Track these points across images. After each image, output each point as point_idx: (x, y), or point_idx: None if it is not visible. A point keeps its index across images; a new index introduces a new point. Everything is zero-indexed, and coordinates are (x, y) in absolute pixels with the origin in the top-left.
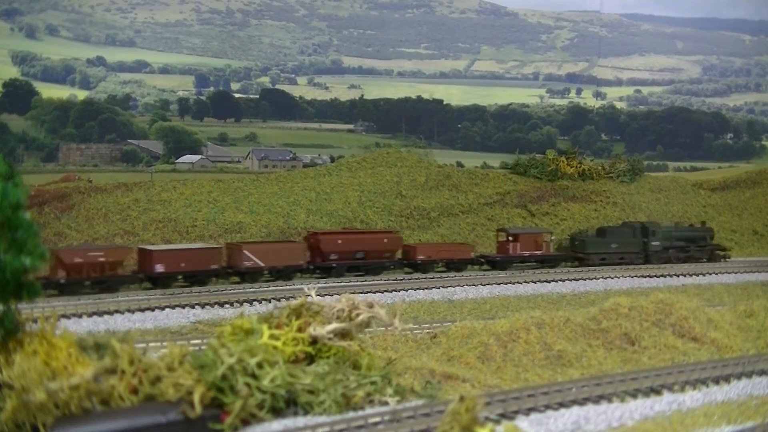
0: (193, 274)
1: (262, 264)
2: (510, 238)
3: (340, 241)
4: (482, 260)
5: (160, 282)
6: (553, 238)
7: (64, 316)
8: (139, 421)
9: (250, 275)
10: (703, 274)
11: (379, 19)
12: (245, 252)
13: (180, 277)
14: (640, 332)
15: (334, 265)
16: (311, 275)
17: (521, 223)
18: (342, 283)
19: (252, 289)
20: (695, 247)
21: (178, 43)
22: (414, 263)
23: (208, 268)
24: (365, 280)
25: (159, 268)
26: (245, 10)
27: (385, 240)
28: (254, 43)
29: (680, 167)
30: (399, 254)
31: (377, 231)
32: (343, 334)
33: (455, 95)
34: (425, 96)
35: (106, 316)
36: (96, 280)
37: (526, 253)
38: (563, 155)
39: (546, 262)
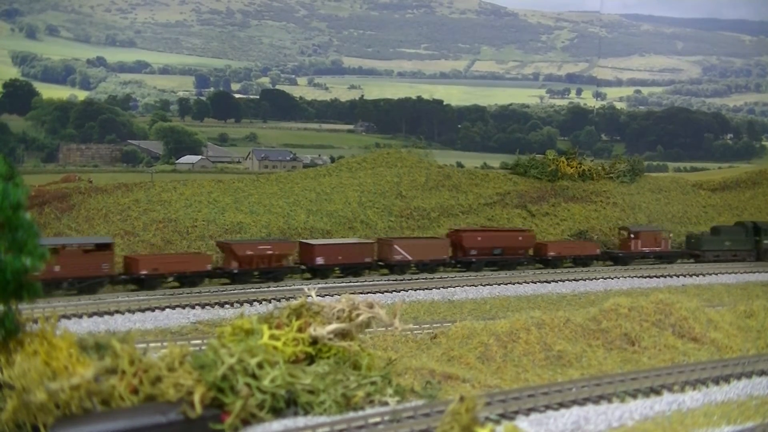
0: (349, 266)
1: (410, 258)
2: (632, 236)
3: (480, 238)
4: (606, 256)
5: (319, 273)
6: (671, 235)
7: (65, 316)
8: (139, 421)
9: (399, 268)
10: (703, 274)
11: (379, 19)
12: (396, 247)
13: (337, 268)
14: (640, 332)
15: (473, 260)
16: (453, 269)
17: (521, 223)
18: (342, 284)
19: (252, 290)
20: None
21: (179, 43)
22: (545, 259)
23: (362, 260)
24: (365, 281)
25: (319, 260)
26: (245, 10)
27: (520, 237)
28: (254, 44)
29: (680, 167)
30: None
31: (514, 229)
32: (343, 335)
33: (455, 95)
34: (425, 96)
35: (106, 317)
36: (264, 270)
37: (647, 249)
38: (563, 155)
39: (664, 258)
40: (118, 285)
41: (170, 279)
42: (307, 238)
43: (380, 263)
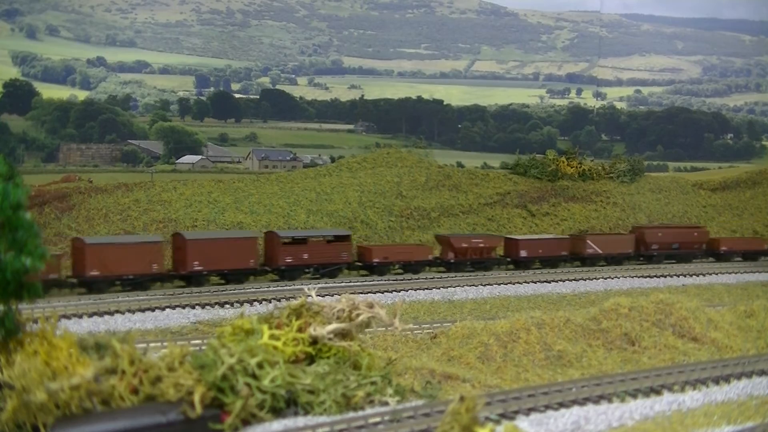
0: (547, 258)
1: (600, 252)
2: None
3: (660, 234)
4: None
5: (521, 265)
6: None
7: (65, 316)
8: (139, 421)
9: (590, 261)
10: (703, 274)
11: (380, 19)
12: (588, 241)
13: (537, 261)
14: (640, 332)
15: (654, 254)
16: (635, 262)
17: (521, 223)
18: (342, 284)
19: (252, 290)
20: None
21: (179, 43)
22: (717, 253)
23: (559, 254)
24: (365, 281)
25: (523, 253)
26: (245, 10)
27: (696, 233)
28: (254, 44)
29: (680, 167)
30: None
31: (690, 226)
32: (343, 335)
33: (455, 95)
34: (425, 96)
35: (106, 317)
36: (475, 261)
37: None
38: (563, 155)
39: None
40: (353, 270)
41: (396, 267)
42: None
43: (573, 257)
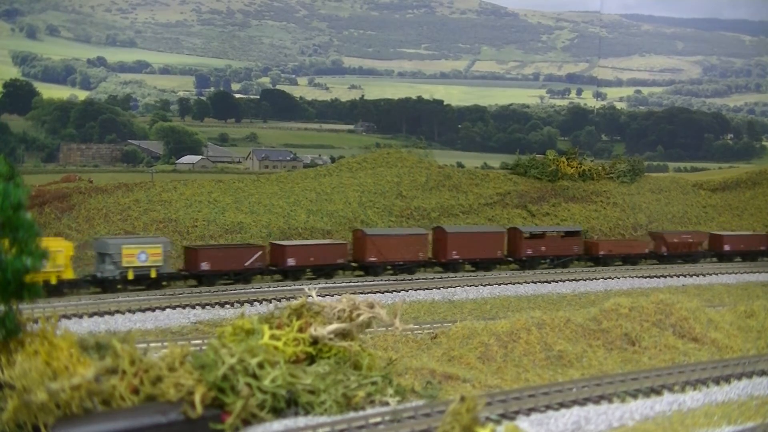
0: (748, 253)
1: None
2: None
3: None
4: None
5: (725, 258)
6: None
7: (65, 316)
8: (140, 421)
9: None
10: (703, 275)
11: (380, 19)
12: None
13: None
14: (640, 332)
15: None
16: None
17: (521, 223)
18: (342, 284)
19: (252, 290)
20: None
21: (179, 43)
22: None
23: (758, 249)
24: (365, 281)
25: (726, 248)
26: (246, 10)
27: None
28: (255, 44)
29: (680, 167)
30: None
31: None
32: (343, 335)
33: (455, 95)
34: (425, 96)
35: (106, 317)
36: (684, 254)
37: None
38: (563, 156)
39: None
40: (581, 262)
41: (617, 261)
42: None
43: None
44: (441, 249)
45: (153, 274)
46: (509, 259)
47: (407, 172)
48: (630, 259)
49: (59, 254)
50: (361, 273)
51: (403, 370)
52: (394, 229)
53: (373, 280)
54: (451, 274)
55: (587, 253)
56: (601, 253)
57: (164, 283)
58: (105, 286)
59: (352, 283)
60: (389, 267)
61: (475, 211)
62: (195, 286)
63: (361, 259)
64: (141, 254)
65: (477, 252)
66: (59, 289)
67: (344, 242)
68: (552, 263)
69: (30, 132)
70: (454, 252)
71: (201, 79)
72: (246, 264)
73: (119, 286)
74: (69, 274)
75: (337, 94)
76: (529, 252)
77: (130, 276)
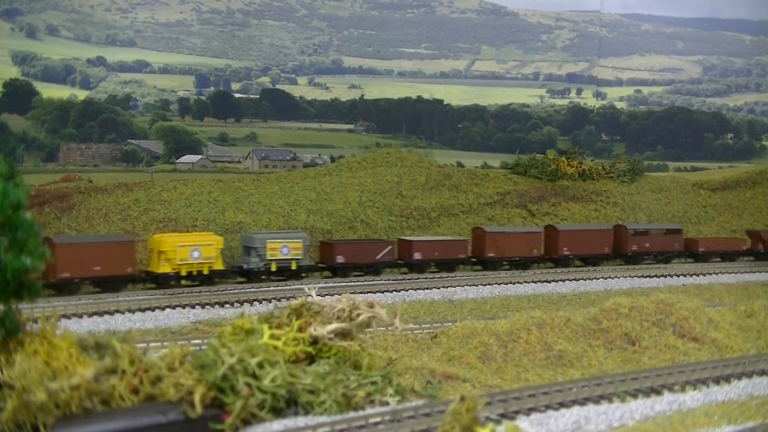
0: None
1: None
2: None
3: None
4: None
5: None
6: None
7: (65, 316)
8: (139, 421)
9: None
10: (703, 274)
11: (380, 19)
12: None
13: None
14: (640, 332)
15: None
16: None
17: (521, 223)
18: (342, 283)
19: (252, 289)
20: None
21: (179, 43)
22: None
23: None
24: (365, 281)
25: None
26: (245, 10)
27: None
28: (254, 43)
29: (680, 167)
30: None
31: None
32: (343, 334)
33: (455, 95)
34: (425, 96)
35: (106, 316)
36: None
37: None
38: (563, 155)
39: None
40: (681, 259)
41: (716, 258)
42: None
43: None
44: (553, 246)
45: (293, 266)
46: (615, 254)
47: (407, 171)
48: (728, 257)
49: (210, 247)
50: (479, 268)
51: (403, 370)
52: (511, 227)
53: (373, 280)
54: (453, 274)
55: (687, 250)
56: (701, 249)
57: (303, 274)
58: (250, 276)
59: (352, 283)
60: (506, 262)
61: (475, 210)
62: (329, 277)
63: (481, 255)
64: (283, 248)
65: (586, 248)
66: (210, 278)
67: (465, 239)
68: (654, 259)
69: (30, 132)
70: (565, 248)
71: (201, 79)
72: (377, 258)
73: (263, 277)
74: (219, 265)
75: (336, 93)
76: (635, 248)
77: (273, 268)
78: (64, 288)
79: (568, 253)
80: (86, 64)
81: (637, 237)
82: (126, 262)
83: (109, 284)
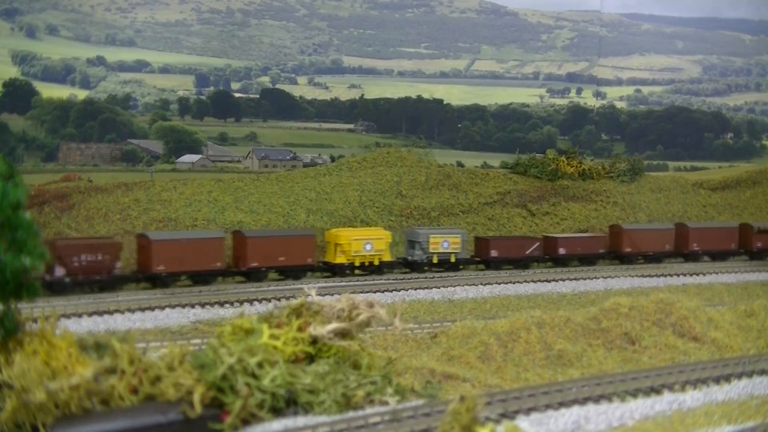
0: None
1: None
2: None
3: None
4: None
5: None
6: None
7: (64, 316)
8: (139, 421)
9: None
10: (703, 274)
11: (380, 18)
12: None
13: None
14: (640, 332)
15: None
16: None
17: (521, 222)
18: (342, 283)
19: (252, 289)
20: None
21: (179, 42)
22: None
23: None
24: (365, 281)
25: None
26: (245, 9)
27: None
28: (254, 43)
29: (680, 167)
30: None
31: None
32: (343, 334)
33: (455, 95)
34: (425, 96)
35: (106, 316)
36: None
37: None
38: (563, 155)
39: None
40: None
41: None
42: None
43: None
44: (683, 242)
45: (452, 259)
46: (741, 251)
47: (407, 171)
48: None
49: (381, 241)
50: (617, 262)
51: (403, 370)
52: (646, 225)
53: (374, 280)
54: (452, 273)
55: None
56: None
57: (460, 266)
58: (413, 267)
59: (352, 283)
60: (641, 257)
61: (475, 210)
62: (483, 270)
63: (618, 250)
64: (444, 242)
65: (714, 244)
66: (380, 269)
67: (605, 235)
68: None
69: (30, 131)
70: (694, 244)
71: (201, 79)
72: (527, 252)
73: (426, 268)
74: (387, 257)
75: (336, 93)
76: (759, 245)
77: (435, 260)
78: (252, 275)
79: (697, 249)
80: (86, 64)
81: (761, 235)
82: (307, 253)
83: (291, 273)
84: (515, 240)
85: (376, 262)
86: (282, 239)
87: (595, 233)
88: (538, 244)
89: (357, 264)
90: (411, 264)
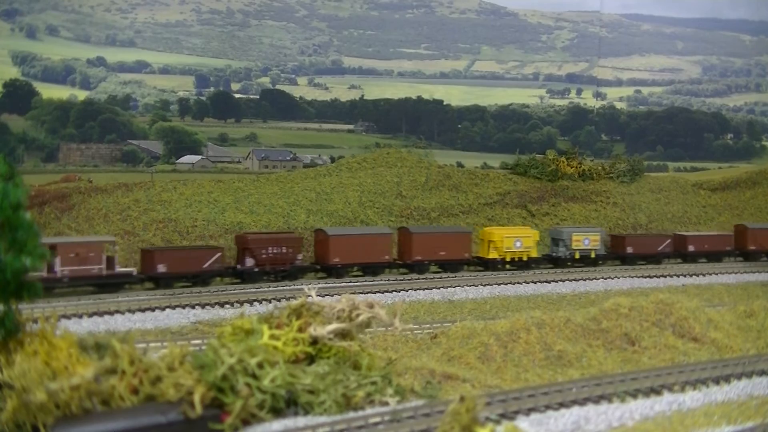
0: None
1: None
2: None
3: None
4: None
5: None
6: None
7: (65, 316)
8: (139, 421)
9: None
10: (703, 274)
11: (380, 19)
12: None
13: None
14: (640, 332)
15: None
16: None
17: (521, 223)
18: (342, 284)
19: (252, 290)
20: None
21: (179, 43)
22: None
23: None
24: (365, 281)
25: None
26: (245, 10)
27: None
28: (254, 44)
29: (680, 167)
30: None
31: None
32: (343, 335)
33: (455, 95)
34: (425, 96)
35: (106, 317)
36: None
37: None
38: (563, 155)
39: None
40: None
41: None
42: None
43: None
44: (743, 242)
45: (592, 255)
46: None
47: (407, 172)
48: None
49: (529, 239)
50: (680, 260)
51: (403, 370)
52: (706, 232)
53: (373, 280)
54: (451, 274)
55: None
56: None
57: (600, 262)
58: (557, 263)
59: (352, 283)
60: (702, 257)
61: (475, 210)
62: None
63: (743, 248)
64: (585, 240)
65: None
66: (528, 264)
67: (730, 233)
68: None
69: (30, 132)
70: (752, 246)
71: (201, 79)
72: (659, 249)
73: (568, 264)
74: (534, 254)
75: (336, 93)
76: None
77: (577, 256)
78: (416, 267)
79: (753, 248)
80: (86, 65)
81: None
82: (464, 248)
83: (450, 267)
84: (650, 237)
85: (525, 258)
86: (443, 236)
87: (721, 232)
88: (669, 241)
89: (508, 259)
90: (555, 260)
